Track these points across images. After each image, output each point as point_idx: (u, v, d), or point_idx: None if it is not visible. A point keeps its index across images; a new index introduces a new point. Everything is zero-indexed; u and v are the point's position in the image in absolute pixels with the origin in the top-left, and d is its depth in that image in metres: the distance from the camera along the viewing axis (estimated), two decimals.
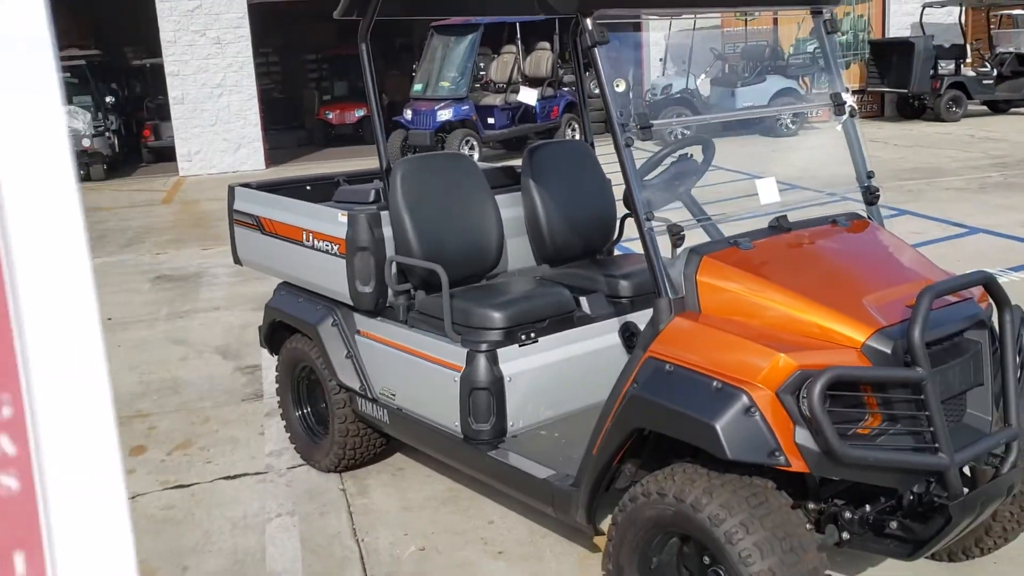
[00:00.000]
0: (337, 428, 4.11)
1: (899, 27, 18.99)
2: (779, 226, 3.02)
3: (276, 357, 4.56)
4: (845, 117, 3.35)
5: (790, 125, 17.04)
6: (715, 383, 2.54)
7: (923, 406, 2.50)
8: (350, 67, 22.15)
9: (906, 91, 17.65)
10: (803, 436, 2.46)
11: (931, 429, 2.50)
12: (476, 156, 13.27)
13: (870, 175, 3.34)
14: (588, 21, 2.79)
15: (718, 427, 2.45)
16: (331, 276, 3.91)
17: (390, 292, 3.81)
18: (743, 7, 3.79)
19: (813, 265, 2.94)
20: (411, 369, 3.68)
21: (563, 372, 3.51)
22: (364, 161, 11.30)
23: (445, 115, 14.38)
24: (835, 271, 2.93)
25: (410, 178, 3.77)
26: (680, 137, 3.48)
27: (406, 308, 3.81)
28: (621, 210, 3.84)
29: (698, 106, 16.57)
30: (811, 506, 2.90)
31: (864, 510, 2.83)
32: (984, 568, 3.29)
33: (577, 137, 11.62)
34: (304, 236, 4.04)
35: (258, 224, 4.38)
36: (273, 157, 16.87)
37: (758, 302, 2.70)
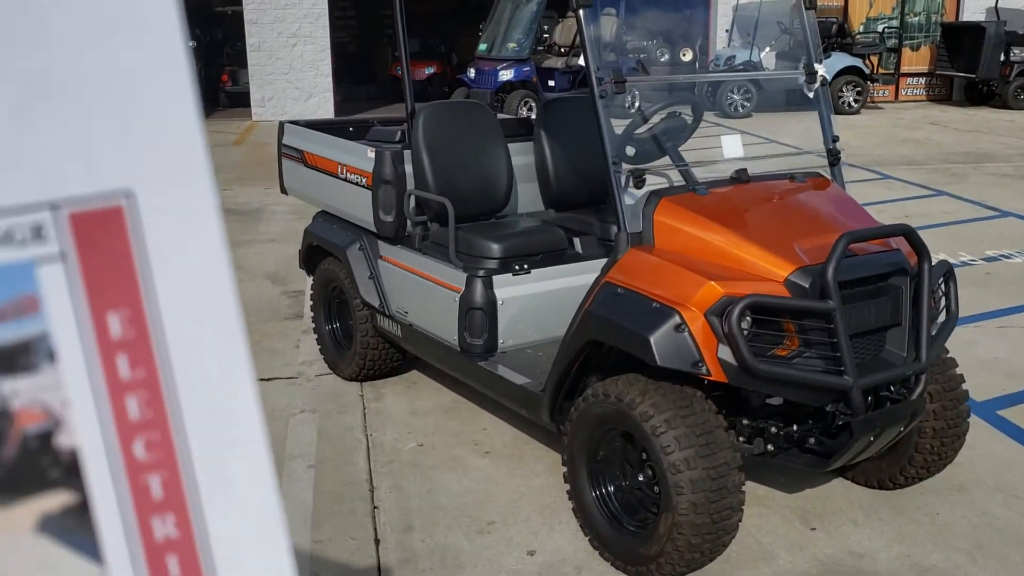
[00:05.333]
0: (359, 341, 4.66)
1: (974, 11, 18.68)
2: (738, 178, 3.44)
3: (311, 278, 5.13)
4: (816, 86, 3.73)
5: (853, 103, 17.09)
6: (654, 304, 2.99)
7: (833, 334, 2.92)
8: (424, 25, 22.63)
9: (974, 76, 17.45)
10: (725, 352, 2.91)
11: (837, 354, 2.92)
12: (534, 117, 13.66)
13: (835, 139, 3.72)
14: None
15: (651, 339, 2.91)
16: (359, 206, 4.43)
17: (408, 222, 4.32)
18: None
19: (759, 212, 3.35)
20: (421, 290, 4.19)
21: (551, 301, 3.97)
22: None
23: (506, 75, 14.79)
24: (777, 218, 3.33)
25: (431, 122, 4.26)
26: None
27: (421, 237, 4.32)
28: None
29: (760, 79, 16.68)
30: (745, 421, 3.36)
31: (791, 428, 3.27)
32: (912, 498, 3.69)
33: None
34: (339, 169, 4.57)
35: (302, 157, 4.93)
36: (343, 108, 17.46)
37: (704, 239, 3.13)
